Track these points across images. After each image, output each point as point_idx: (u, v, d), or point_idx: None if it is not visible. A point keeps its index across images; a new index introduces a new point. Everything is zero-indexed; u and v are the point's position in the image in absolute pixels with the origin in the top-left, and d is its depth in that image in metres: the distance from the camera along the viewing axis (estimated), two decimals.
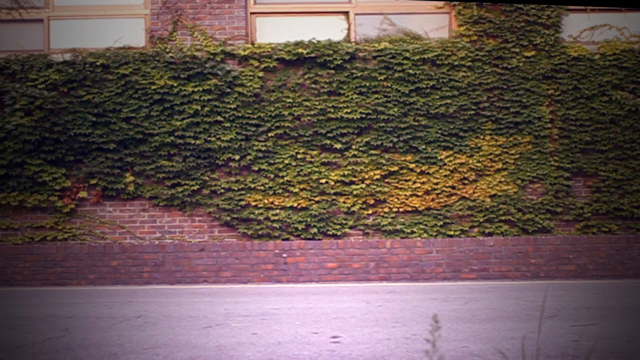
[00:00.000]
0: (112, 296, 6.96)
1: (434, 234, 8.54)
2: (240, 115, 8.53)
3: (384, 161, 8.54)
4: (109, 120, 8.48)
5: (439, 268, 8.36)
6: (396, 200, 8.57)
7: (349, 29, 8.92)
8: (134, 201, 8.59)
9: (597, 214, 8.70)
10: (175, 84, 8.49)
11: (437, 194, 8.60)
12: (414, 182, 8.57)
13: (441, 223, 8.54)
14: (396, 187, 8.59)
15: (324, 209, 8.51)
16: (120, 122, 8.47)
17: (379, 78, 8.56)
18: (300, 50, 8.55)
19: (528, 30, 8.73)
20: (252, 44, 8.77)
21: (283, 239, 8.50)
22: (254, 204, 8.54)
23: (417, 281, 8.13)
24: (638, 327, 4.56)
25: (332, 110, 8.56)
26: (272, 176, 8.55)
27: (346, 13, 8.98)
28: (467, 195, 8.63)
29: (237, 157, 8.50)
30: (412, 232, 8.51)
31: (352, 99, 8.56)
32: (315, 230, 8.47)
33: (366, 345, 4.00)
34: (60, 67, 8.49)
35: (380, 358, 3.66)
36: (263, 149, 8.54)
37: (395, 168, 8.56)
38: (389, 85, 8.56)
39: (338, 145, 8.55)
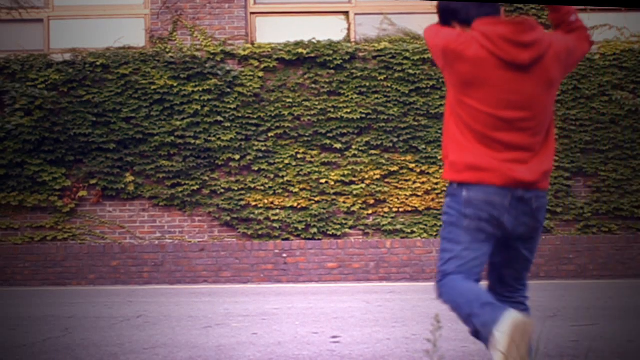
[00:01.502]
0: (112, 296, 6.96)
1: (434, 234, 8.54)
2: (240, 115, 8.53)
3: (384, 161, 8.54)
4: (109, 120, 8.48)
5: None
6: (396, 200, 8.57)
7: (349, 29, 8.92)
8: (134, 201, 8.59)
9: (597, 214, 8.70)
10: (175, 84, 8.49)
11: (437, 194, 8.60)
12: (414, 182, 8.58)
13: (441, 223, 8.53)
14: (396, 187, 8.59)
15: (324, 209, 8.51)
16: (120, 122, 8.47)
17: (379, 78, 8.55)
18: (300, 50, 8.55)
19: None
20: (252, 44, 8.77)
21: (283, 239, 8.50)
22: (254, 204, 8.54)
23: (417, 281, 8.13)
24: (638, 327, 4.57)
25: (332, 110, 8.56)
26: (272, 176, 8.55)
27: (346, 13, 8.98)
28: None
29: (237, 157, 8.50)
30: (412, 232, 8.51)
31: (352, 99, 8.56)
32: (315, 230, 8.47)
33: (366, 345, 4.00)
34: (60, 67, 8.48)
35: (380, 358, 3.66)
36: (263, 149, 8.54)
37: (395, 168, 8.56)
38: (389, 85, 8.56)
39: (338, 145, 8.55)
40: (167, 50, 8.60)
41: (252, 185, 8.53)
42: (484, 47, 2.59)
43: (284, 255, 8.34)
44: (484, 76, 2.59)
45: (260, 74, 8.57)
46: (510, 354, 2.33)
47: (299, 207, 8.53)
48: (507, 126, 2.60)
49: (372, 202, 8.55)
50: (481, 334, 2.48)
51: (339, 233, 8.51)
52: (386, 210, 8.56)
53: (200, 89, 8.50)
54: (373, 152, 8.56)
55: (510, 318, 2.39)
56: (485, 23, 2.61)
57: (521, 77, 2.59)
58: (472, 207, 2.65)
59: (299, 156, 8.57)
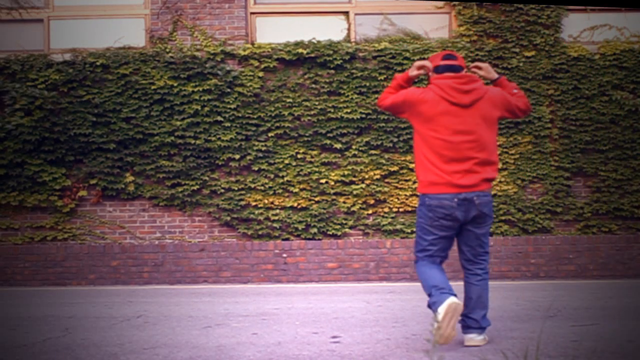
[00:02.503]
0: (112, 296, 6.96)
1: None
2: (240, 115, 8.53)
3: (384, 161, 8.54)
4: (109, 120, 8.48)
5: None
6: (396, 200, 8.57)
7: (349, 29, 8.92)
8: (134, 201, 8.59)
9: (597, 214, 8.70)
10: (175, 84, 8.49)
11: None
12: (414, 182, 8.57)
13: None
14: (396, 187, 8.59)
15: (324, 209, 8.51)
16: (120, 122, 8.47)
17: (379, 78, 8.56)
18: (300, 50, 8.55)
19: (528, 30, 8.74)
20: (252, 44, 8.77)
21: (283, 239, 8.50)
22: (254, 204, 8.54)
23: (417, 281, 8.11)
24: (638, 327, 4.57)
25: (332, 110, 8.56)
26: (272, 176, 8.55)
27: (346, 13, 8.98)
28: None
29: (237, 157, 8.50)
30: (412, 232, 8.51)
31: (352, 99, 8.56)
32: (315, 230, 8.47)
33: (366, 345, 4.00)
34: (60, 67, 8.49)
35: (380, 358, 3.66)
36: (263, 149, 8.54)
37: (395, 168, 8.56)
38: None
39: (338, 145, 8.55)
40: (167, 50, 8.60)
41: (252, 185, 8.53)
42: (437, 94, 3.95)
43: (284, 255, 8.34)
44: (439, 114, 3.93)
45: (260, 74, 8.57)
46: (443, 325, 3.68)
47: (299, 207, 8.53)
48: (457, 147, 3.90)
49: (372, 202, 8.55)
50: (432, 308, 3.82)
51: (339, 233, 8.51)
52: (386, 210, 8.56)
53: (200, 89, 8.50)
54: (373, 152, 8.56)
55: (447, 302, 3.74)
56: (438, 78, 4.01)
57: (464, 113, 3.94)
58: (433, 210, 3.93)
59: (299, 156, 8.57)
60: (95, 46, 8.72)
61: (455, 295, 3.81)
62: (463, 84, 3.94)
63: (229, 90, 8.53)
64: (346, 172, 8.54)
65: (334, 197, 8.56)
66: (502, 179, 8.65)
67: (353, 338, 4.25)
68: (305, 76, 8.58)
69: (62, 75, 8.45)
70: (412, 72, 4.14)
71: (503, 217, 8.59)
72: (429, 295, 3.87)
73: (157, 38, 8.74)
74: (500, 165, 8.65)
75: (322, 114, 8.56)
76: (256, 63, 8.60)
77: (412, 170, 8.59)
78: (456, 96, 3.92)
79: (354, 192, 8.52)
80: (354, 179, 8.56)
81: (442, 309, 3.71)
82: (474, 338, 3.98)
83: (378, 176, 8.55)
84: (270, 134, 8.55)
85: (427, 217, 3.93)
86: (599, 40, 8.91)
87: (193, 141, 8.48)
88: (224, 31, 8.77)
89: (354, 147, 8.55)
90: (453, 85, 3.93)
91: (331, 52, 8.55)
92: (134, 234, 8.56)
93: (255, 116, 8.55)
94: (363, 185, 8.54)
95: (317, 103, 8.55)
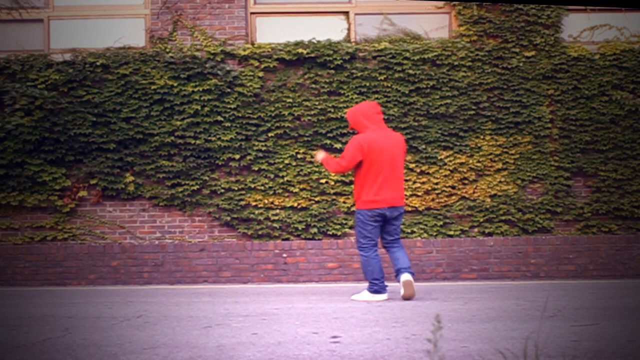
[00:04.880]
0: (112, 296, 6.96)
1: (434, 234, 8.54)
2: (240, 115, 8.53)
3: None
4: (109, 120, 8.48)
5: (439, 268, 8.36)
6: None
7: (349, 29, 8.92)
8: (134, 201, 8.59)
9: (597, 214, 8.70)
10: (175, 84, 8.49)
11: (437, 194, 8.60)
12: (414, 182, 8.58)
13: (441, 223, 8.54)
14: None
15: (324, 209, 8.51)
16: (120, 122, 8.47)
17: (379, 78, 8.56)
18: (300, 50, 8.55)
19: (528, 30, 8.74)
20: (252, 44, 8.77)
21: (283, 239, 8.50)
22: (254, 204, 8.54)
23: (417, 281, 8.12)
24: (638, 327, 4.57)
25: (332, 110, 8.56)
26: (272, 176, 8.55)
27: (346, 13, 8.98)
28: (467, 195, 8.63)
29: (237, 157, 8.50)
30: (412, 232, 8.51)
31: (352, 99, 8.56)
32: (315, 230, 8.47)
33: (366, 345, 4.00)
34: (60, 67, 8.49)
35: (380, 358, 3.66)
36: (263, 149, 8.54)
37: None
38: (389, 85, 8.56)
39: (338, 145, 8.55)
40: (167, 50, 8.60)
41: (252, 185, 8.53)
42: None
43: (284, 255, 8.34)
44: (377, 152, 6.06)
45: (260, 74, 8.57)
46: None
47: (299, 207, 8.53)
48: (385, 175, 6.07)
49: None
50: (375, 290, 6.18)
51: (339, 233, 8.51)
52: None
53: (200, 89, 8.50)
54: None
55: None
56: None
57: (389, 153, 6.10)
58: (371, 216, 6.12)
59: (299, 156, 8.57)
60: (95, 46, 8.72)
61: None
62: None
63: (229, 90, 8.53)
64: (346, 172, 8.53)
65: (334, 197, 8.56)
66: (502, 179, 8.65)
67: (353, 338, 4.25)
68: (305, 76, 8.58)
69: (62, 75, 8.45)
70: None
71: (503, 217, 8.59)
72: (373, 281, 6.13)
73: (157, 38, 8.74)
74: (500, 165, 8.66)
75: (322, 114, 8.56)
76: (256, 63, 8.60)
77: (411, 170, 8.59)
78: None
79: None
80: (354, 178, 8.55)
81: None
82: (407, 276, 6.07)
83: None
84: (270, 134, 8.55)
85: (366, 220, 6.15)
86: (599, 40, 8.91)
87: (193, 141, 8.48)
88: (224, 31, 8.77)
89: None
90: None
91: (331, 52, 8.55)
92: (134, 234, 8.56)
93: (255, 116, 8.55)
94: None
95: (317, 103, 8.55)
